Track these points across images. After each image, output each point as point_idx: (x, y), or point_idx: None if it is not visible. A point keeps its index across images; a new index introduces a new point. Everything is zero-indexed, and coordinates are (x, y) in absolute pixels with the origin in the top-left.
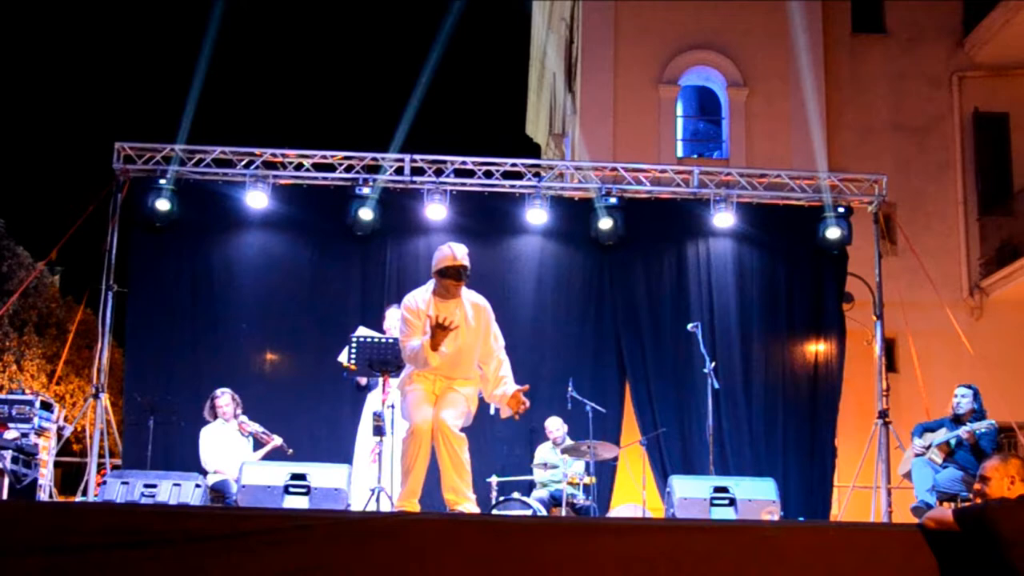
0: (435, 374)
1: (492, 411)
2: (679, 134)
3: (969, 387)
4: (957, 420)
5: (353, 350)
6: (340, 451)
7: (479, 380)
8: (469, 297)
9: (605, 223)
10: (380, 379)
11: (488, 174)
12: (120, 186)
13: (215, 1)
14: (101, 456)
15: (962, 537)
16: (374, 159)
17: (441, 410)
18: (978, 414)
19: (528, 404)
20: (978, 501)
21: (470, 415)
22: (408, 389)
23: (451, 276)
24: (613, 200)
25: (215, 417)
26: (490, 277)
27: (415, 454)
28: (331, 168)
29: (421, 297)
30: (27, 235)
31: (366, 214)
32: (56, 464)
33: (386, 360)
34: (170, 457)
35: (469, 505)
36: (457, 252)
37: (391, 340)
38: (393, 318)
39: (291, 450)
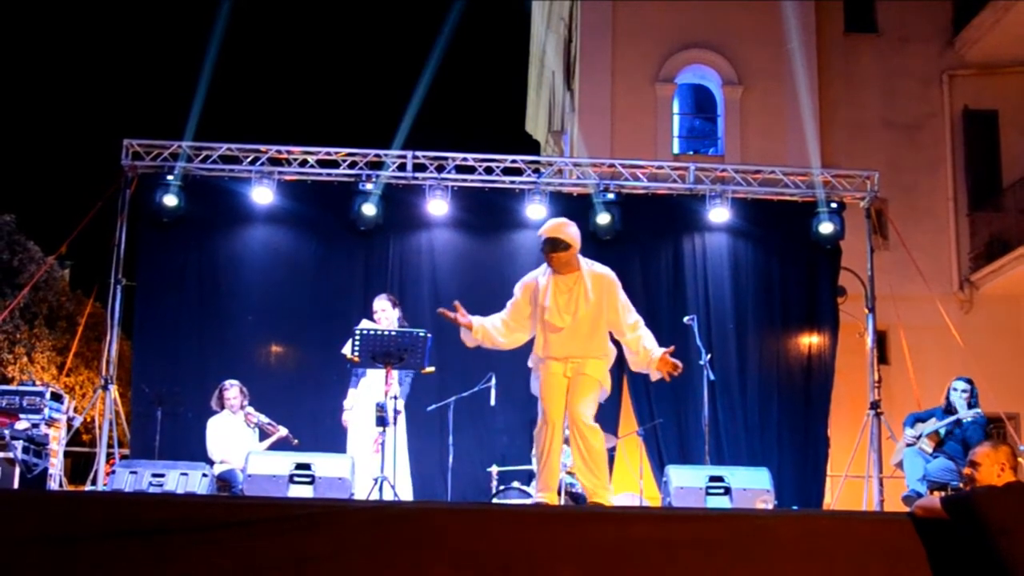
0: (561, 354)
1: (493, 402)
2: (675, 131)
3: (968, 380)
4: (949, 411)
5: (356, 342)
6: (344, 441)
7: (610, 356)
8: (591, 268)
9: (603, 218)
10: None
11: (488, 170)
12: (128, 182)
13: (221, 0)
14: (110, 446)
15: (950, 525)
16: (377, 156)
17: (574, 401)
18: (971, 405)
19: (681, 366)
20: (966, 487)
21: (604, 394)
22: (539, 369)
23: (543, 251)
24: (611, 196)
25: (222, 408)
26: (490, 271)
27: (548, 444)
28: (335, 164)
29: (541, 272)
30: (38, 230)
31: (369, 209)
32: (66, 454)
33: (388, 352)
34: (177, 447)
35: (607, 496)
36: (544, 226)
37: (393, 333)
38: (388, 310)
39: (296, 440)
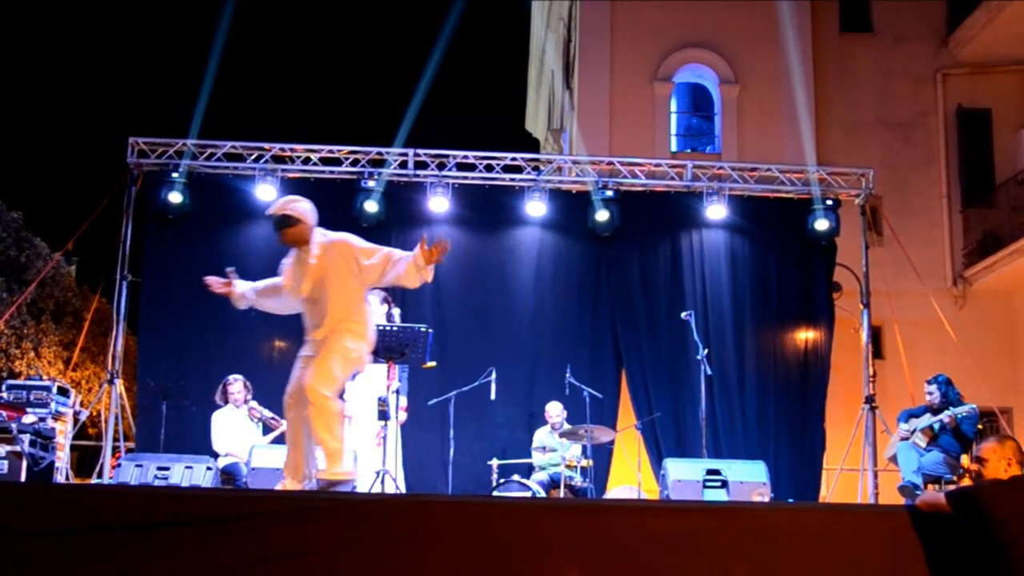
0: (308, 325)
1: (493, 396)
2: (673, 129)
3: (933, 380)
4: (936, 409)
5: None
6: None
7: (358, 330)
8: (322, 239)
9: (602, 215)
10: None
11: (489, 168)
12: (134, 179)
13: (225, 0)
14: (116, 440)
15: (952, 519)
16: (379, 153)
17: (308, 370)
18: (954, 399)
19: (446, 243)
20: (966, 482)
21: (352, 368)
22: None
23: (274, 230)
24: (609, 193)
25: (226, 402)
26: (490, 267)
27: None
28: (337, 162)
29: (292, 252)
30: (45, 227)
31: (371, 206)
32: (72, 447)
33: (390, 347)
34: (182, 441)
35: (335, 469)
36: (275, 203)
37: (395, 328)
38: (375, 304)
39: None
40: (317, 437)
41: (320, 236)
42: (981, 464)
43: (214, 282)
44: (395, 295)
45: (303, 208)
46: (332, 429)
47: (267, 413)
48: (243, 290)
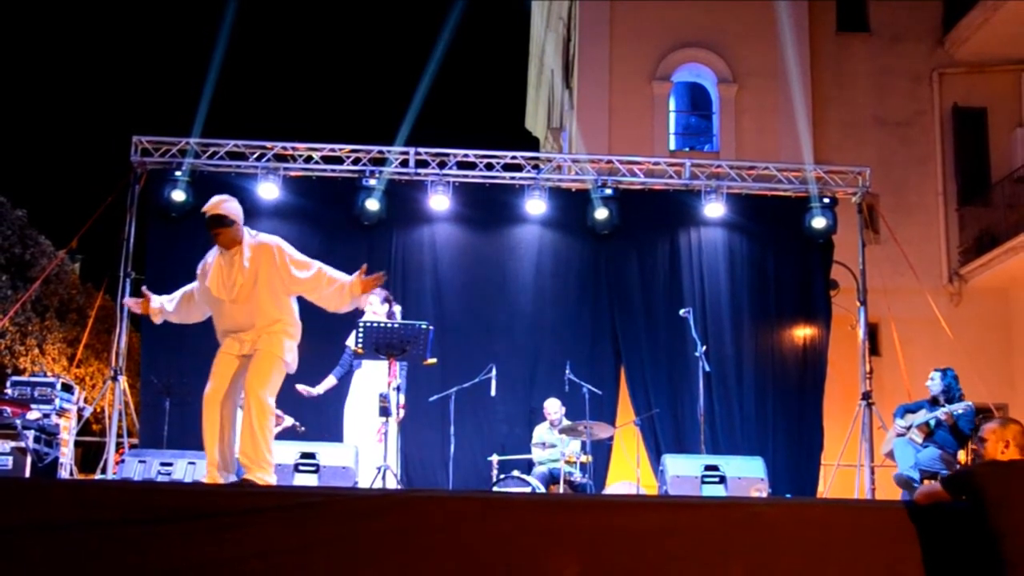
0: (230, 328)
1: (493, 392)
2: (672, 128)
3: (941, 370)
4: (935, 402)
5: (360, 334)
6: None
7: (289, 330)
8: (253, 240)
9: (601, 213)
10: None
11: (489, 166)
12: (138, 178)
13: (228, 1)
14: (119, 436)
15: (949, 511)
16: (380, 152)
17: (248, 375)
18: (955, 395)
19: (383, 274)
20: (959, 466)
21: (287, 368)
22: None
23: (208, 229)
24: (609, 191)
25: None
26: (491, 265)
27: (203, 420)
28: (339, 160)
29: (212, 252)
30: (49, 225)
31: (372, 205)
32: (76, 443)
33: (391, 344)
34: (185, 436)
35: (263, 475)
36: (206, 205)
37: (396, 325)
38: (375, 303)
39: (303, 428)
40: (254, 442)
41: (249, 237)
42: (980, 444)
43: (131, 304)
44: (395, 293)
45: (236, 208)
46: (269, 438)
47: None
48: (159, 305)
